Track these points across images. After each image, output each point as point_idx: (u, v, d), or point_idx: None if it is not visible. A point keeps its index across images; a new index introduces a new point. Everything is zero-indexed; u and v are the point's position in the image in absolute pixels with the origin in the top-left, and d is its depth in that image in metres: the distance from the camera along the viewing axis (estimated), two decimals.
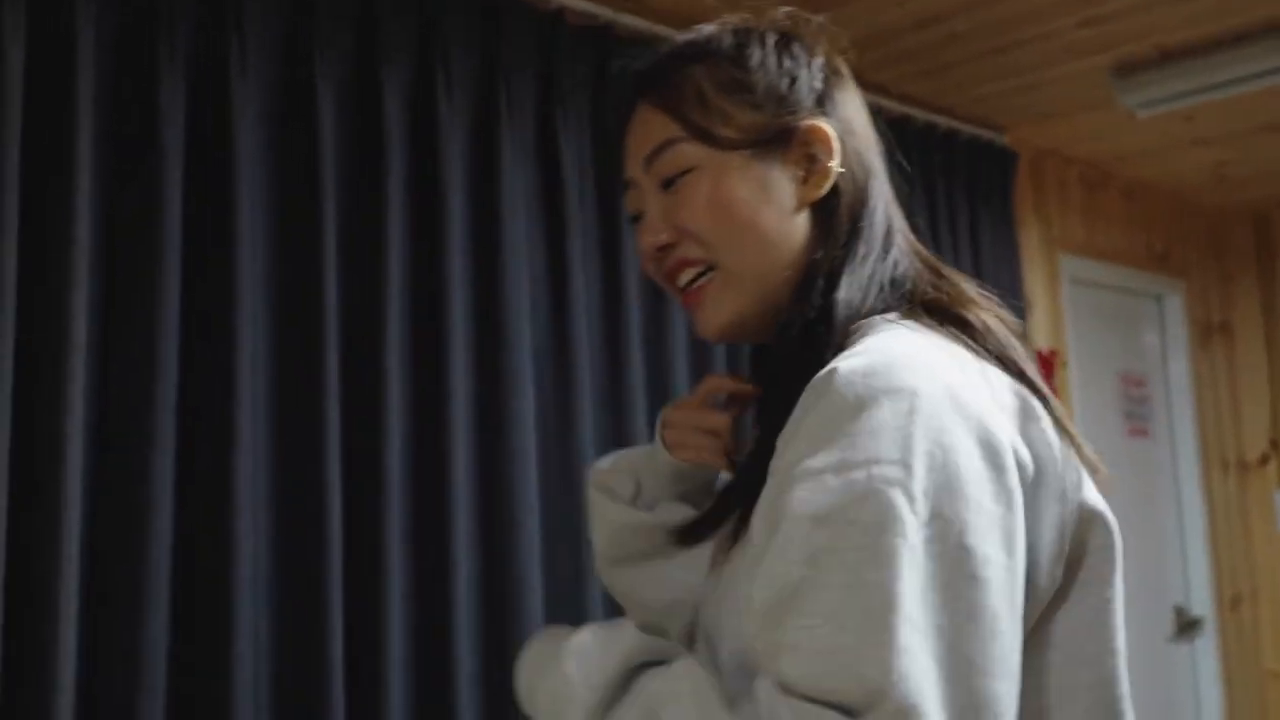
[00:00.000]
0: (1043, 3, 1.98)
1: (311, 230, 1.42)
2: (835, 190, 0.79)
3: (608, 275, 1.79)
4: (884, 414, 0.59)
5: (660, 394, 1.76)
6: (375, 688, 1.38)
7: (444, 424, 1.50)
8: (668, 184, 0.81)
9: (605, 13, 1.83)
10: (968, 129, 2.54)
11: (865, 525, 0.56)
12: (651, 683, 0.69)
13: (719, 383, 0.92)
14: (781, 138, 0.79)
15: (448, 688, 1.45)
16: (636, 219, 0.85)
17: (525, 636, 1.11)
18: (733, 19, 0.84)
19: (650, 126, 0.82)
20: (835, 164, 0.78)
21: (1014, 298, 2.54)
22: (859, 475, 0.57)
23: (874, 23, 2.03)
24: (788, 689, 0.56)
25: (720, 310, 0.80)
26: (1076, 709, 0.68)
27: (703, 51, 0.83)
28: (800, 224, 0.80)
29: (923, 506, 0.57)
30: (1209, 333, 3.57)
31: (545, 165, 1.75)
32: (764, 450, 0.70)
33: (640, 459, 0.93)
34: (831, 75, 0.84)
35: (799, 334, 0.75)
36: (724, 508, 0.78)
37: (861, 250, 0.78)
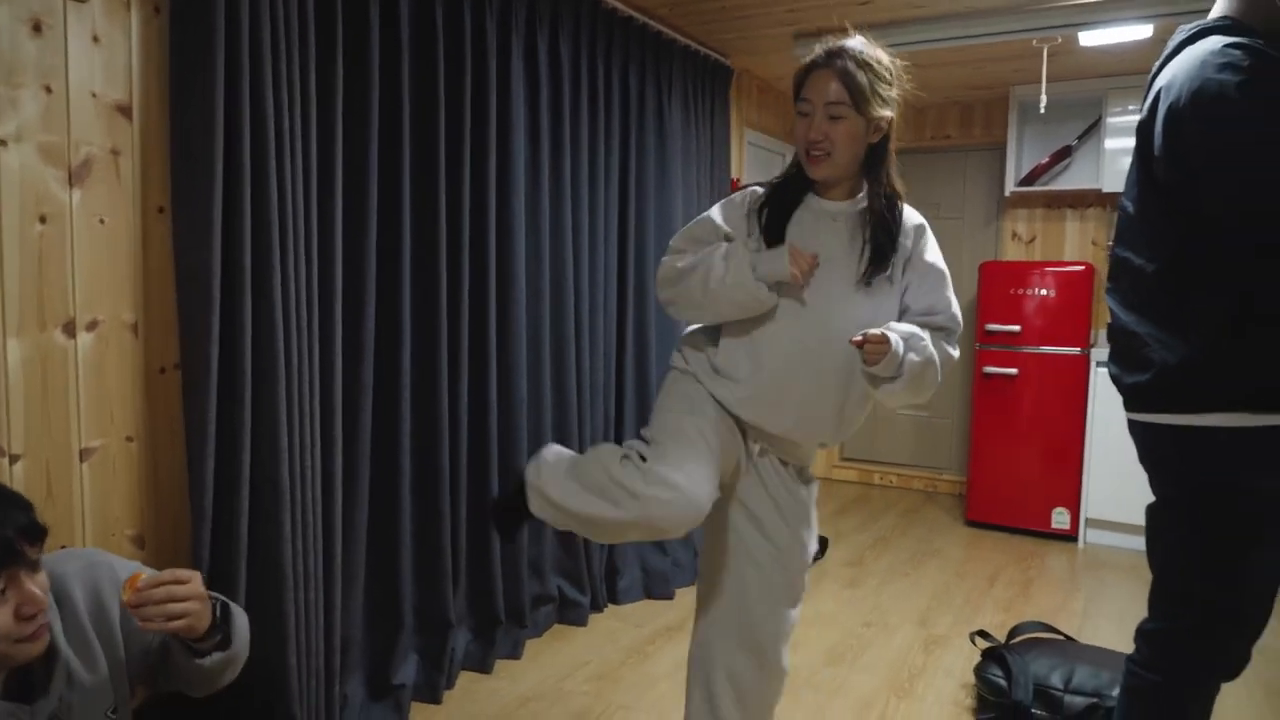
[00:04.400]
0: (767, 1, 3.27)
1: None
2: (883, 140, 1.65)
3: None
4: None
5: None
6: None
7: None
8: (830, 117, 1.59)
9: None
10: (715, 56, 3.90)
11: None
12: None
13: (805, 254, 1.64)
14: (877, 118, 1.61)
15: None
16: (804, 115, 1.62)
17: None
18: (880, 54, 1.61)
19: (832, 86, 1.59)
20: (885, 129, 1.63)
21: (725, 147, 4.03)
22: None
23: None
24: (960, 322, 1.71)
25: (823, 171, 1.63)
26: None
27: (873, 62, 1.60)
28: (864, 148, 1.63)
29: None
30: None
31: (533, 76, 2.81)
32: (887, 239, 1.64)
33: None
34: (899, 92, 1.64)
35: (882, 200, 1.66)
36: (876, 269, 1.65)
37: (889, 165, 1.67)
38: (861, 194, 1.71)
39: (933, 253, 1.75)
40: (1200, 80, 1.40)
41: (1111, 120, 4.38)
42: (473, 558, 2.73)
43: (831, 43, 1.63)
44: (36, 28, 1.62)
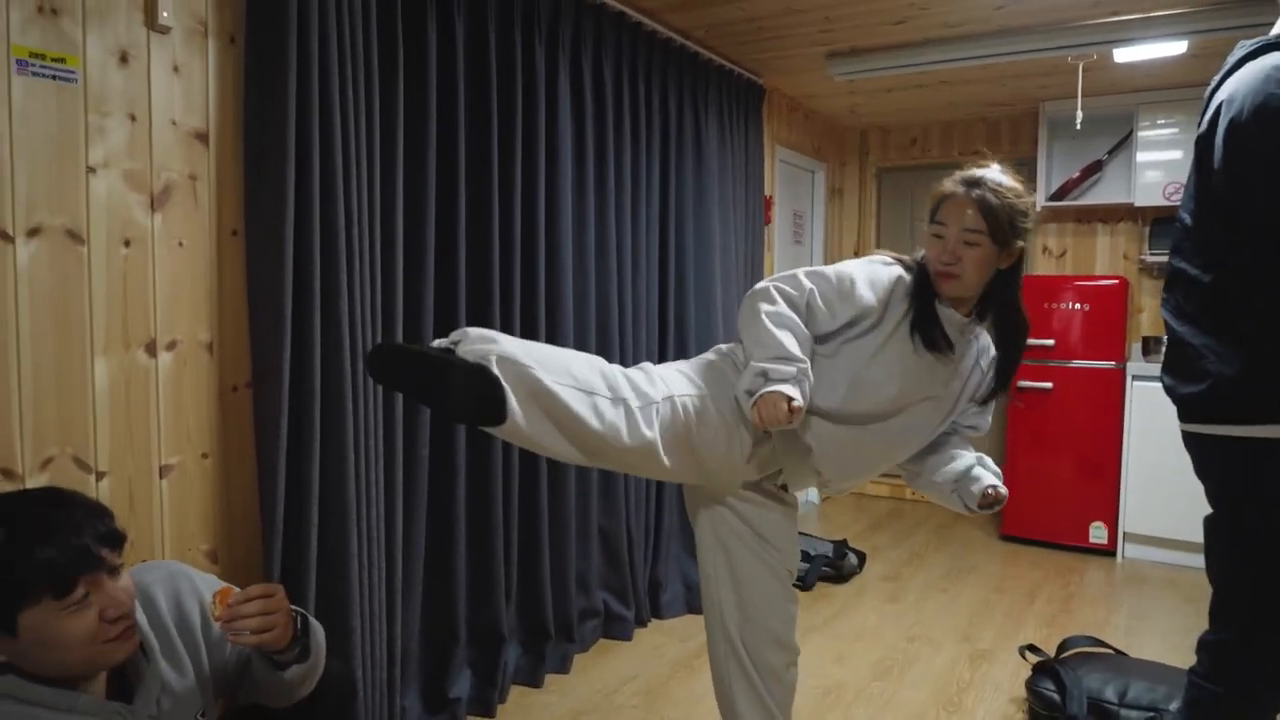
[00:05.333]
0: (802, 19, 3.31)
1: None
2: (1014, 266, 1.69)
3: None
4: None
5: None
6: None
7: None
8: (965, 242, 1.63)
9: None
10: (749, 75, 3.95)
11: None
12: None
13: None
14: (1011, 247, 1.66)
15: None
16: (938, 236, 1.66)
17: None
18: (1017, 185, 1.66)
19: (968, 213, 1.63)
20: (1015, 255, 1.66)
21: (759, 164, 4.08)
22: None
23: (719, 15, 3.27)
24: None
25: (952, 291, 1.66)
26: None
27: (1010, 195, 1.64)
28: (993, 272, 1.66)
29: None
30: (833, 193, 5.48)
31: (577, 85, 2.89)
32: (1013, 364, 1.77)
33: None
34: (1033, 224, 1.68)
35: (1011, 323, 1.74)
36: (1000, 389, 1.81)
37: (1017, 290, 1.73)
38: (977, 313, 1.75)
39: None
40: (1264, 95, 1.43)
41: (1142, 134, 4.39)
42: (523, 571, 2.76)
43: (970, 172, 1.69)
44: (124, 59, 1.68)
